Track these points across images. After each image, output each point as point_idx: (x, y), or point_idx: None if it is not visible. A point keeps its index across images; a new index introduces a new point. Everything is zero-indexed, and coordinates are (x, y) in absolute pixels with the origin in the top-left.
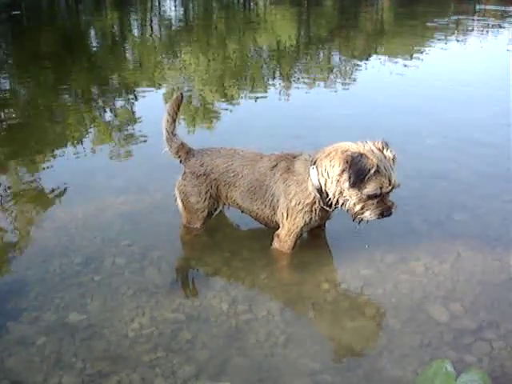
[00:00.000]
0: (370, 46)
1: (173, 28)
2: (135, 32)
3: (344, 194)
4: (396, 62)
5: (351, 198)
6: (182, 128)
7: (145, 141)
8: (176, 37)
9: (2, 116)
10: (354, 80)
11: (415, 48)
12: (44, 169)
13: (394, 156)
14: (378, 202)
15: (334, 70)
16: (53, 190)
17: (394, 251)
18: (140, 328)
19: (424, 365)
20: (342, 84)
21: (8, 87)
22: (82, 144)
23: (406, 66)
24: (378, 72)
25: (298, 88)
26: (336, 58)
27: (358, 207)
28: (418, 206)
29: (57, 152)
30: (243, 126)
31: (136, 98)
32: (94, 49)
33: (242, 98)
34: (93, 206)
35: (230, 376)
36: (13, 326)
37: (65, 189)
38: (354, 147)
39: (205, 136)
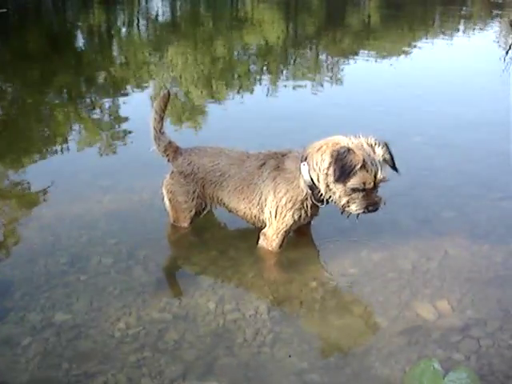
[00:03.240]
0: (357, 45)
1: (160, 26)
2: (122, 30)
3: (330, 187)
4: (383, 61)
5: (337, 191)
6: (168, 126)
7: (132, 139)
8: (163, 35)
9: None
10: (341, 78)
11: (402, 47)
12: (30, 167)
13: (386, 152)
14: (363, 196)
15: (322, 69)
16: (39, 189)
17: (381, 249)
18: (126, 328)
19: (412, 363)
20: (330, 82)
21: None
22: (68, 143)
23: (392, 64)
24: (365, 70)
25: (286, 86)
26: (323, 56)
27: (343, 200)
28: (406, 203)
29: (43, 151)
30: (230, 124)
31: (123, 97)
32: (81, 47)
33: (229, 96)
34: (79, 205)
35: (217, 376)
36: None
37: (51, 187)
38: (345, 141)
39: (191, 134)
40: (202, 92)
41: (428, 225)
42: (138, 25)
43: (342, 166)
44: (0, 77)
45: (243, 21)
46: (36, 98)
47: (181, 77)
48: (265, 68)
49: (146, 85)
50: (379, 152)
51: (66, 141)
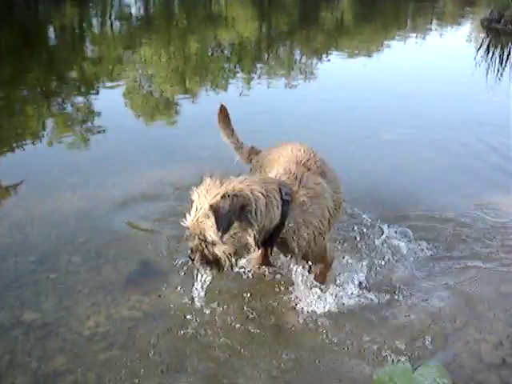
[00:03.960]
0: (330, 43)
1: (133, 23)
2: (95, 27)
3: None
4: (356, 59)
5: None
6: (141, 123)
7: (103, 135)
8: (136, 32)
9: None
10: (314, 76)
11: (375, 45)
12: (0, 164)
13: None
14: None
15: (295, 66)
16: (8, 185)
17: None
18: (96, 326)
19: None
20: (303, 80)
21: None
22: (39, 139)
23: (365, 64)
24: (338, 68)
25: (259, 83)
26: (297, 53)
27: None
28: (372, 201)
29: (14, 147)
30: (204, 121)
31: (95, 93)
32: (53, 44)
33: (202, 93)
34: (49, 203)
35: (189, 374)
36: None
37: (21, 184)
38: None
39: (164, 130)
40: (175, 88)
41: (394, 223)
42: (110, 21)
43: None
44: None
45: (217, 18)
46: (7, 93)
47: (154, 73)
48: (238, 65)
49: (119, 81)
50: (204, 206)
51: (36, 137)
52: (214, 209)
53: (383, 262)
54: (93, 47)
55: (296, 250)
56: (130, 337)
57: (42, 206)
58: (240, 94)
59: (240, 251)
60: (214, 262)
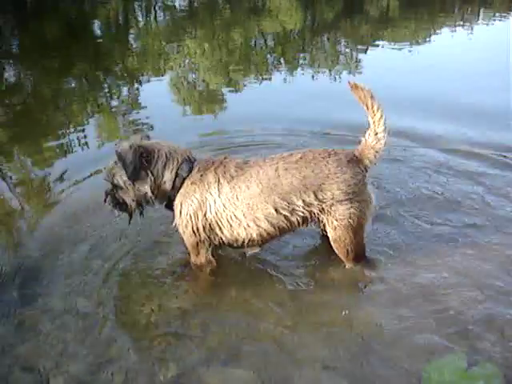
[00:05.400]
0: (375, 33)
1: (177, 15)
2: (140, 19)
3: None
4: (401, 49)
5: None
6: (188, 114)
7: (148, 127)
8: (180, 24)
9: (7, 103)
10: (360, 66)
11: (421, 34)
12: (50, 157)
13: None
14: None
15: (339, 56)
16: (59, 176)
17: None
18: (150, 315)
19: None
20: (348, 69)
21: (13, 74)
22: (85, 132)
23: (411, 51)
24: (383, 58)
25: (303, 74)
26: (341, 43)
27: None
28: None
29: (60, 139)
30: (249, 112)
31: (140, 85)
32: (99, 36)
33: (247, 84)
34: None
35: (240, 362)
36: (23, 312)
37: (74, 175)
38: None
39: (210, 122)
40: (219, 80)
41: None
42: (155, 13)
43: None
44: (18, 65)
45: (261, 9)
46: (54, 86)
47: (198, 65)
48: (283, 56)
49: (164, 73)
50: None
51: (82, 129)
52: (119, 155)
53: None
54: (137, 40)
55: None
56: (184, 326)
57: (96, 197)
58: (284, 82)
59: (141, 199)
60: (122, 206)
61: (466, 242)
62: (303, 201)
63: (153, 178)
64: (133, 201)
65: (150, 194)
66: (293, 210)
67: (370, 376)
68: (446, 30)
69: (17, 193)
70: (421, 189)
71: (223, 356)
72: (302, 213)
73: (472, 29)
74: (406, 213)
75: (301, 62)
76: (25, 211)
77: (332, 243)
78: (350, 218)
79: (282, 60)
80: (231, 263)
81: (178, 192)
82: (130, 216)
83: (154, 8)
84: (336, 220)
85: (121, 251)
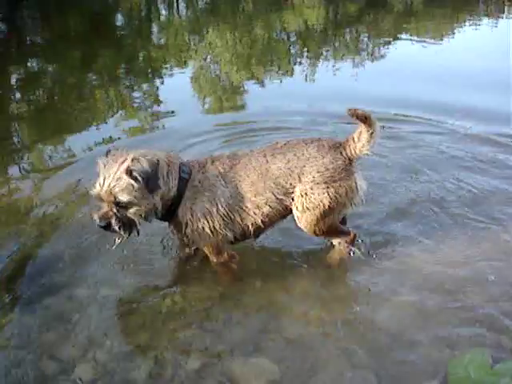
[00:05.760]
0: (398, 27)
1: (199, 8)
2: (162, 12)
3: None
4: (425, 43)
5: None
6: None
7: (170, 119)
8: (202, 17)
9: (30, 94)
10: (382, 60)
11: (444, 29)
12: (73, 147)
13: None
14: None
15: (362, 50)
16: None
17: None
18: (173, 304)
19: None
20: (371, 64)
21: (36, 66)
22: (107, 123)
23: (436, 44)
24: (407, 52)
25: (326, 67)
26: (364, 38)
27: None
28: None
29: (83, 130)
30: (270, 106)
31: (163, 78)
32: (121, 28)
33: (268, 78)
34: None
35: (264, 353)
36: (50, 300)
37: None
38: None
39: (232, 116)
40: (240, 74)
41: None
42: (177, 6)
43: None
44: (41, 57)
45: (283, 3)
46: (76, 78)
47: (220, 59)
48: (305, 51)
49: (185, 66)
50: (119, 170)
51: (104, 120)
52: (130, 170)
53: None
54: (160, 32)
55: (183, 232)
56: (207, 316)
57: None
58: (306, 79)
59: (150, 214)
60: (127, 225)
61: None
62: (291, 184)
63: (163, 188)
64: (141, 216)
65: (160, 204)
66: (285, 193)
67: (394, 371)
68: (469, 25)
69: (40, 184)
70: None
71: (247, 347)
72: (291, 195)
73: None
74: (444, 207)
75: (323, 56)
76: (48, 202)
77: (296, 220)
78: (322, 201)
79: (304, 54)
80: (255, 255)
81: (181, 198)
82: (138, 233)
83: (177, 1)
84: (308, 201)
85: (146, 241)
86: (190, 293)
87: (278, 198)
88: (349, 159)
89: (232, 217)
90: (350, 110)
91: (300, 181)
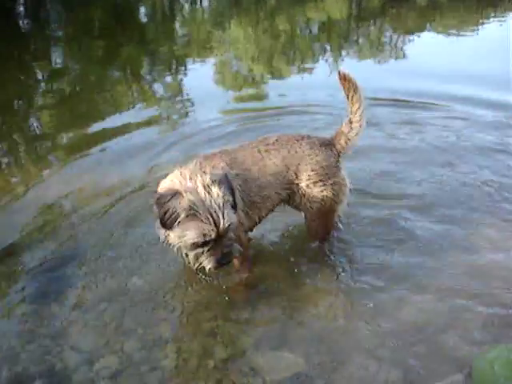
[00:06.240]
0: (422, 22)
1: (222, 1)
2: (185, 5)
3: (168, 239)
4: (449, 38)
5: (177, 245)
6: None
7: (192, 112)
8: (225, 10)
9: (54, 87)
10: (406, 55)
11: (469, 23)
12: (94, 141)
13: (224, 191)
14: (210, 250)
15: (385, 45)
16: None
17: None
18: (200, 297)
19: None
20: (394, 58)
21: (60, 61)
22: (130, 117)
23: (459, 39)
24: (430, 48)
25: (350, 61)
26: (387, 32)
27: (191, 256)
28: None
29: (105, 123)
30: (294, 98)
31: (185, 70)
32: (144, 22)
33: (290, 72)
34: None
35: (290, 347)
36: (70, 291)
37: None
38: (175, 183)
39: (255, 107)
40: (263, 68)
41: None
42: (201, 0)
43: (164, 214)
44: (65, 51)
45: None
46: (99, 71)
47: (242, 52)
48: (327, 45)
49: (208, 59)
50: (216, 193)
51: (127, 113)
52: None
53: None
54: (182, 25)
55: None
56: (233, 309)
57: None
58: (329, 74)
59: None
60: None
61: None
62: (288, 179)
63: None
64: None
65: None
66: (283, 188)
67: (419, 365)
68: (494, 20)
69: (63, 177)
70: None
71: (272, 340)
72: (287, 190)
73: None
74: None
75: (345, 50)
76: (72, 195)
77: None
78: (323, 200)
79: (326, 47)
80: (281, 247)
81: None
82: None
83: None
84: (309, 202)
85: None
86: (215, 286)
87: (276, 193)
88: (338, 154)
89: (249, 208)
90: (339, 72)
91: (298, 178)
